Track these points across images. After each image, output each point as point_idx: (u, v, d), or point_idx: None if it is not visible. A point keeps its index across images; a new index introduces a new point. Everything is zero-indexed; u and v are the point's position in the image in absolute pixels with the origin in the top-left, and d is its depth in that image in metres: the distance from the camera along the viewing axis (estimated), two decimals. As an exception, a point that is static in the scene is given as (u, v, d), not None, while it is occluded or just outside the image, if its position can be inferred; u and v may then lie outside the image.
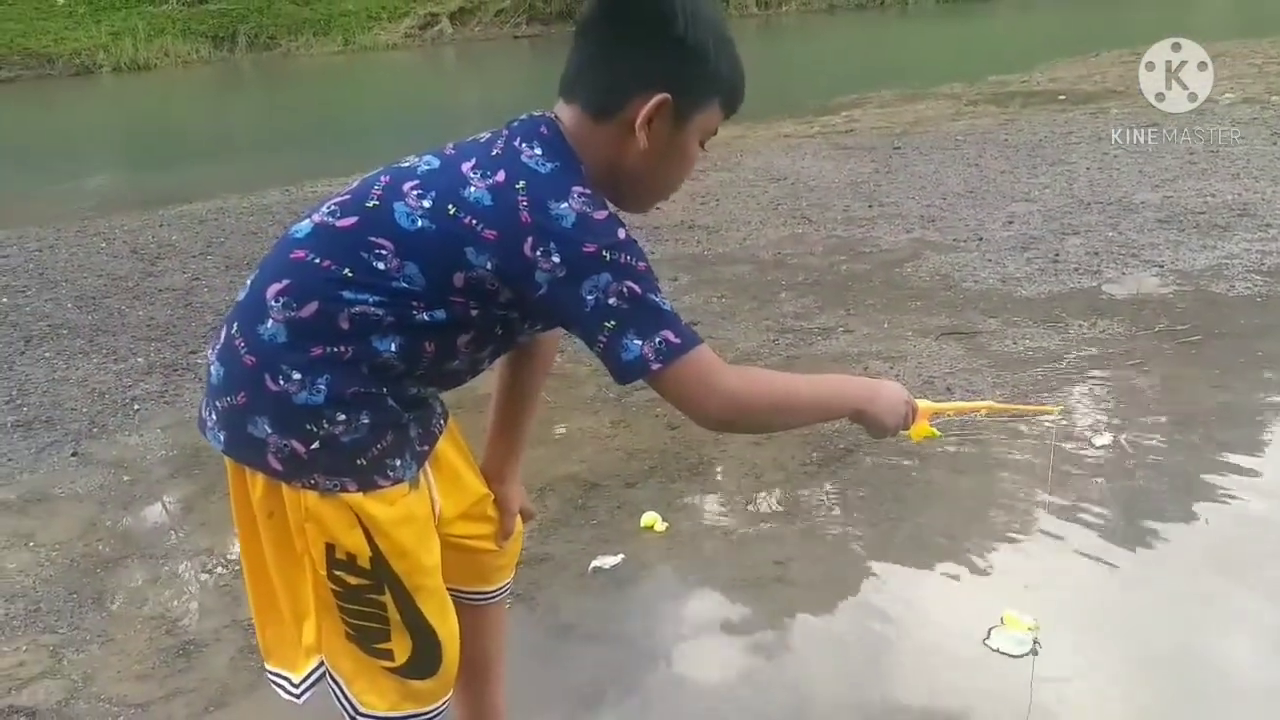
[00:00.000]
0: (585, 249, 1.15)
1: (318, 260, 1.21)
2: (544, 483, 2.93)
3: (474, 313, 1.22)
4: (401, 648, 1.33)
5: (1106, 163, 6.39)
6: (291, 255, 1.24)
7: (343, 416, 1.21)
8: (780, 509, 2.75)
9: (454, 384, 1.36)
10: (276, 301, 1.21)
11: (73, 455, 3.37)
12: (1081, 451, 2.94)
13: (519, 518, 1.63)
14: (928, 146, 7.40)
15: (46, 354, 4.32)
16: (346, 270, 1.20)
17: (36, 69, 19.44)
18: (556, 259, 1.15)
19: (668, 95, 1.21)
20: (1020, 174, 6.31)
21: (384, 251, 1.19)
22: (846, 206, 5.90)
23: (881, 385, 1.39)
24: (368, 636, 1.32)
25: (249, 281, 1.29)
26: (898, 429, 1.39)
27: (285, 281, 1.22)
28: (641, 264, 1.18)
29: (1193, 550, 2.48)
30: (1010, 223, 5.28)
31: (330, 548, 1.26)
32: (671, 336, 1.18)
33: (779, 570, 2.47)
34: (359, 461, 1.24)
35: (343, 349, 1.20)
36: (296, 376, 1.20)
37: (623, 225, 1.20)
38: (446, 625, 1.37)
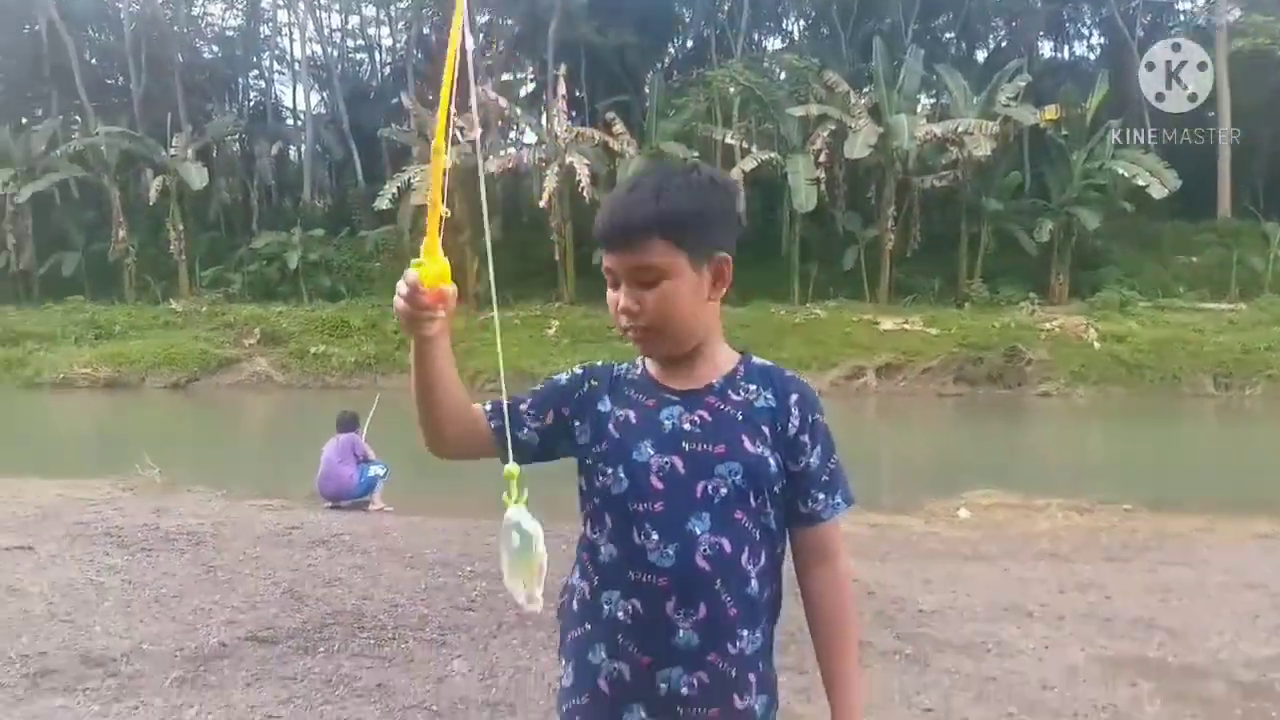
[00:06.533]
0: None
1: None
2: None
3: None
4: None
5: None
6: None
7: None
8: None
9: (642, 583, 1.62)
10: None
11: (528, 744, 3.64)
12: None
13: None
14: None
15: (514, 641, 4.79)
16: None
17: (520, 384, 23.28)
18: None
19: None
20: None
21: None
22: (1354, 634, 5.02)
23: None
24: None
25: None
26: (406, 314, 1.49)
27: None
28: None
29: None
30: None
31: None
32: None
33: None
34: None
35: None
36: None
37: (576, 367, 1.83)
38: None
